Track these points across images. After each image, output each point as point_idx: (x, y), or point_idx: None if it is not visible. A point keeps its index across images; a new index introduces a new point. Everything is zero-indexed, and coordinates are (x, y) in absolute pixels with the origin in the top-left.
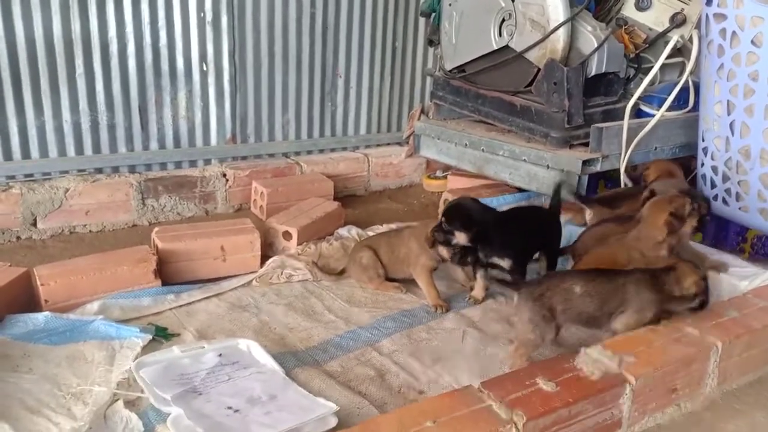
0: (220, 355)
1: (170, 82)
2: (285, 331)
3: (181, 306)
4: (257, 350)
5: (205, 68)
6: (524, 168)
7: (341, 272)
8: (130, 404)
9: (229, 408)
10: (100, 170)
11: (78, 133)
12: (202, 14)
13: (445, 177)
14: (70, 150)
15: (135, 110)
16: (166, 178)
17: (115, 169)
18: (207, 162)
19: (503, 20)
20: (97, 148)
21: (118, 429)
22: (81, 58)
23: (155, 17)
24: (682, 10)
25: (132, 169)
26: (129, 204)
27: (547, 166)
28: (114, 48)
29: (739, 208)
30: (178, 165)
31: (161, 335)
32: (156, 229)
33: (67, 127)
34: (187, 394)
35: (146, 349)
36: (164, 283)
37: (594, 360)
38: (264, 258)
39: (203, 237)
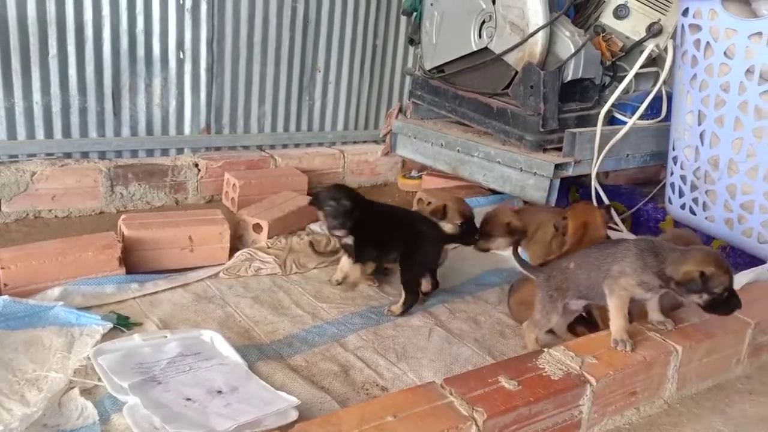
0: (182, 345)
1: (145, 68)
2: (250, 324)
3: (145, 295)
4: (220, 342)
5: (181, 56)
6: (498, 170)
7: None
8: (86, 392)
9: (189, 399)
10: (69, 155)
11: (48, 116)
12: (181, 1)
13: (420, 177)
14: (39, 133)
15: (108, 95)
16: (137, 165)
17: (85, 155)
18: (179, 151)
19: (483, 22)
20: (66, 132)
21: (72, 416)
22: (55, 40)
23: (133, 2)
24: (659, 20)
25: (102, 155)
26: (97, 190)
27: (521, 169)
28: (89, 31)
29: (706, 218)
30: (150, 153)
31: (123, 324)
32: (123, 216)
33: (37, 110)
34: (145, 383)
35: (106, 337)
36: (129, 272)
37: (557, 360)
38: (233, 250)
39: (171, 226)
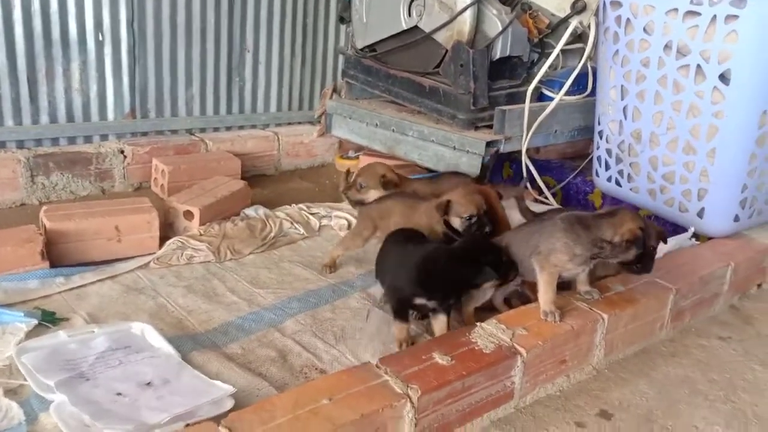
0: (111, 339)
1: (62, 51)
2: (183, 314)
3: (71, 289)
4: (151, 334)
5: (101, 38)
6: (432, 149)
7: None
8: (11, 392)
9: (119, 394)
10: None
11: None
12: None
13: (357, 157)
14: None
15: (23, 81)
16: (58, 154)
17: (2, 144)
18: (104, 138)
19: (412, 0)
20: None
21: None
22: None
23: None
24: None
25: (20, 144)
26: (17, 181)
27: (454, 147)
28: None
29: (631, 189)
30: (72, 140)
31: (48, 320)
32: (44, 207)
33: None
34: (72, 380)
35: (31, 334)
36: (54, 265)
37: (489, 334)
38: (164, 239)
39: (96, 216)
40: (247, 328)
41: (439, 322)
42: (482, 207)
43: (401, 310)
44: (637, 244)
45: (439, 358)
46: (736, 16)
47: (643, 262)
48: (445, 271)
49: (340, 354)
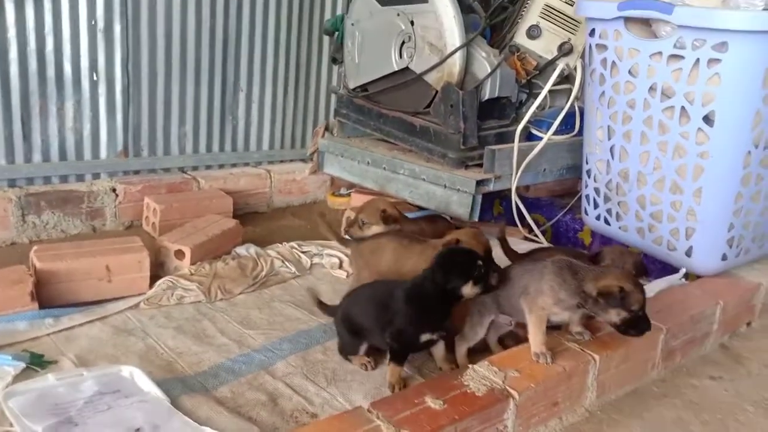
0: (100, 383)
1: (57, 90)
2: (173, 356)
3: (60, 331)
4: (140, 377)
5: (95, 78)
6: (423, 187)
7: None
8: None
9: None
10: None
11: None
12: (93, 22)
13: (349, 194)
14: None
15: (17, 119)
16: (50, 192)
17: None
18: (96, 176)
19: (403, 42)
20: None
21: None
22: None
23: (41, 23)
24: (569, 39)
25: (12, 183)
26: (8, 220)
27: (444, 186)
28: None
29: (620, 228)
30: (64, 179)
31: (36, 363)
32: (35, 247)
33: None
34: (60, 426)
35: (19, 378)
36: (43, 306)
37: (481, 376)
38: (155, 278)
39: (86, 256)
40: (237, 371)
41: (439, 350)
42: (489, 246)
43: (404, 354)
44: (609, 302)
45: (432, 402)
46: (718, 60)
47: (636, 326)
48: (433, 292)
49: (331, 397)
